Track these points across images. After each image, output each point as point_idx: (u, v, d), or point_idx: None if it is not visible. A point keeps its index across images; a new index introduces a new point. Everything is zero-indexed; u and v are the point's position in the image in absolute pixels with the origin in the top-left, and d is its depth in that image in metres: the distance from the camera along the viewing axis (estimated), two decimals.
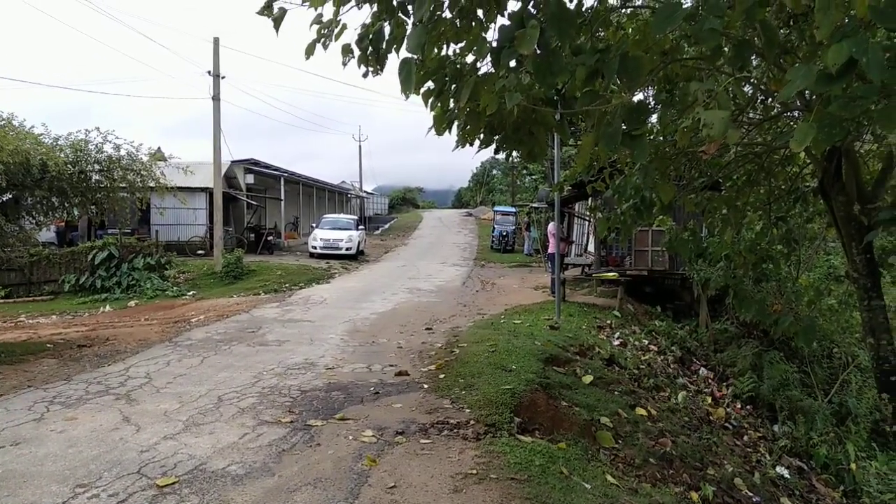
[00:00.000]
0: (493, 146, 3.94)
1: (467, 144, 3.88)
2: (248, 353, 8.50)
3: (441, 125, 3.74)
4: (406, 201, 75.03)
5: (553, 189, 8.47)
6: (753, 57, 4.12)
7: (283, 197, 28.69)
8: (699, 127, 2.89)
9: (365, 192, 65.49)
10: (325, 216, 28.62)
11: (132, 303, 15.05)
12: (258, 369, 7.53)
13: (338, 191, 43.77)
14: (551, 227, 14.64)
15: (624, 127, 3.22)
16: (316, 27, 3.66)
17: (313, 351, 8.70)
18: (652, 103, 4.42)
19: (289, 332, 10.09)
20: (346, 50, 3.73)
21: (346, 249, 24.65)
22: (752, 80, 4.62)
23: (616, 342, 10.53)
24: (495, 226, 31.67)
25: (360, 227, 27.87)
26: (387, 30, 3.64)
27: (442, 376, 7.03)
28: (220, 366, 7.74)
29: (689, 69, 4.17)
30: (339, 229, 25.69)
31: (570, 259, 17.04)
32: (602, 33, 4.42)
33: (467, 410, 5.84)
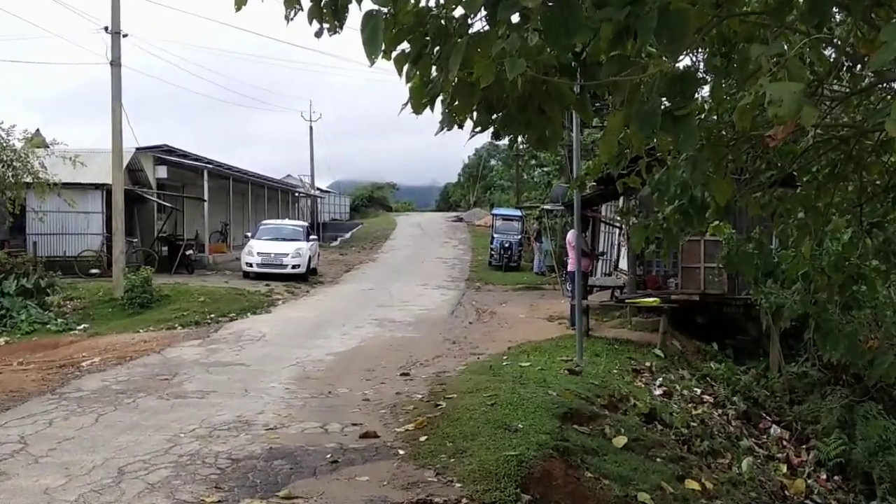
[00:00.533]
0: (491, 129, 3.97)
1: (455, 126, 3.91)
2: (159, 409, 8.46)
3: (420, 101, 3.75)
4: (374, 202, 75.13)
5: (571, 186, 8.53)
6: (835, 10, 4.18)
7: (206, 197, 28.66)
8: (764, 104, 2.93)
9: (319, 189, 65.35)
10: (264, 222, 28.65)
11: (0, 341, 14.90)
12: (174, 430, 7.49)
13: (281, 188, 43.89)
14: (570, 236, 14.72)
15: (665, 103, 3.26)
16: None
17: (248, 405, 8.68)
18: (702, 72, 4.48)
19: (215, 380, 10.08)
20: None
21: (293, 267, 24.80)
22: (834, 42, 4.69)
23: (658, 391, 10.57)
24: (494, 235, 32.01)
25: (312, 236, 28.01)
26: None
27: (423, 438, 7.04)
28: (121, 426, 7.69)
29: (750, 26, 4.22)
30: (284, 240, 25.85)
31: (596, 279, 17.15)
32: None
33: (458, 485, 5.79)
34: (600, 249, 21.37)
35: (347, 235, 49.55)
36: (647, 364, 11.92)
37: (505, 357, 11.77)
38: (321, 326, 15.45)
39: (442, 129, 3.97)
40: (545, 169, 37.87)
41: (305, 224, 29.58)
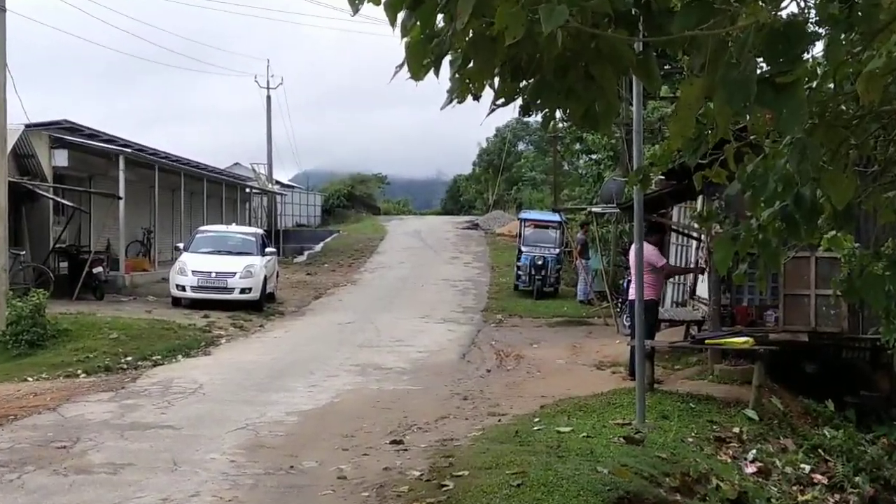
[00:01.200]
0: (519, 102, 3.97)
1: (469, 97, 3.91)
2: (54, 489, 8.46)
3: (420, 62, 3.76)
4: (356, 201, 75.45)
5: (631, 180, 8.50)
6: None
7: (122, 193, 28.78)
8: None
9: (279, 184, 65.55)
10: (202, 230, 28.77)
11: None
12: None
13: (227, 181, 44.12)
14: (632, 251, 14.71)
15: (762, 67, 3.26)
16: None
17: (178, 484, 8.69)
18: (813, 23, 4.47)
19: (133, 449, 10.10)
20: None
21: (242, 292, 25.03)
22: None
23: (750, 468, 10.52)
24: (523, 248, 32.29)
25: (269, 249, 28.15)
26: None
27: None
28: None
29: None
30: (230, 254, 26.15)
31: (667, 310, 17.13)
32: None
33: None
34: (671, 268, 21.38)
35: (318, 247, 49.89)
36: (736, 430, 11.87)
37: (536, 419, 11.74)
38: (281, 375, 15.46)
39: (450, 101, 3.97)
40: (594, 157, 37.84)
41: (260, 232, 29.67)
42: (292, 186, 70.99)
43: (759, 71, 3.25)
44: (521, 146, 79.89)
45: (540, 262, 30.73)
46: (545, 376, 16.04)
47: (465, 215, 76.23)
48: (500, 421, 11.88)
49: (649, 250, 14.05)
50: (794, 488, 10.49)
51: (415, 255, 44.57)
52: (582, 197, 37.28)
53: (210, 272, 24.81)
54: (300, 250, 49.27)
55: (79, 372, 15.77)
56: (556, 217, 33.36)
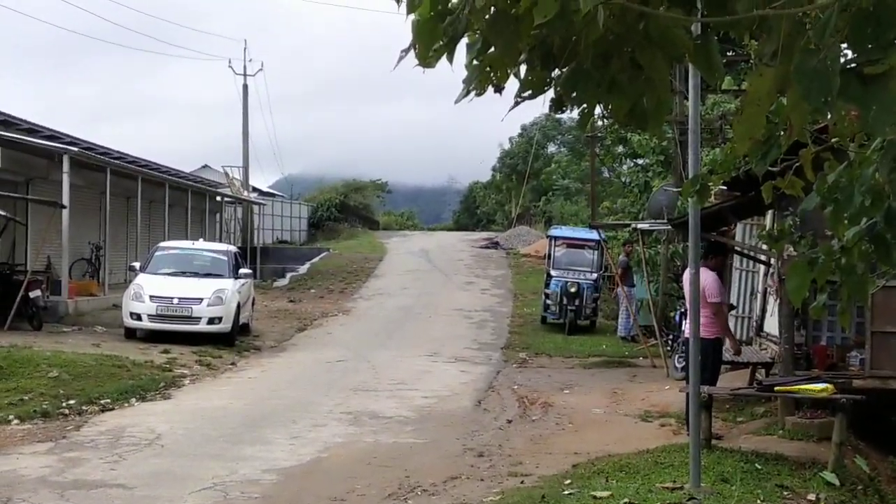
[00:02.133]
0: (550, 95, 3.98)
1: (490, 89, 3.92)
2: None
3: (430, 45, 3.77)
4: (349, 212, 75.60)
5: (685, 191, 8.49)
6: None
7: (66, 200, 28.83)
8: None
9: (257, 191, 65.83)
10: (162, 246, 28.79)
11: None
12: None
13: (194, 188, 44.18)
14: (686, 277, 14.64)
15: (846, 55, 3.26)
16: None
17: None
18: None
19: None
20: None
21: (211, 322, 25.09)
22: None
23: None
24: (553, 272, 32.41)
25: (244, 271, 28.19)
26: None
27: None
28: None
29: None
30: (195, 276, 26.32)
31: (727, 349, 17.06)
32: None
33: None
34: (731, 299, 21.31)
35: (303, 269, 50.13)
36: (812, 497, 11.81)
37: (567, 482, 11.70)
38: (256, 424, 15.46)
39: (467, 93, 3.96)
40: (640, 162, 37.82)
41: (233, 250, 29.69)
42: (273, 195, 71.17)
43: (842, 60, 3.25)
44: (551, 148, 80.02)
45: (573, 290, 30.75)
46: (578, 429, 16.00)
47: (483, 231, 76.34)
48: (522, 483, 11.85)
49: (707, 277, 13.99)
50: None
51: (421, 279, 44.72)
52: (625, 211, 37.16)
53: (172, 298, 24.83)
54: (282, 272, 49.35)
55: (10, 417, 15.72)
56: (594, 235, 33.18)
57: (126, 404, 17.25)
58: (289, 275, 48.22)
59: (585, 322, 31.05)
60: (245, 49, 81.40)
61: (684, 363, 15.08)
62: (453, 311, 34.75)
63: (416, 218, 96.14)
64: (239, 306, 25.99)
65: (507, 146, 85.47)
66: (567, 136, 77.98)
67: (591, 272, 32.20)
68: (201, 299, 24.99)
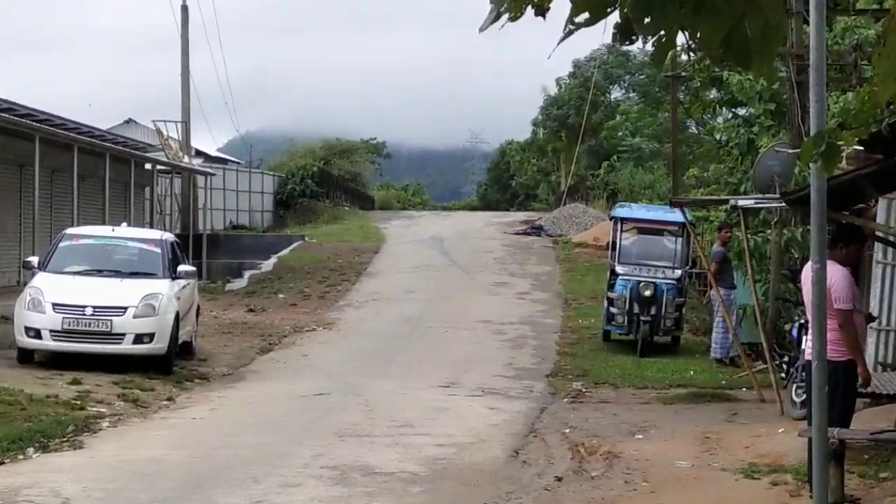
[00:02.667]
0: (615, 19, 3.99)
1: (528, 10, 3.92)
2: None
3: None
4: (332, 185, 75.09)
5: (806, 152, 8.47)
6: None
7: None
8: None
9: (202, 156, 65.92)
10: (70, 234, 28.68)
11: None
12: None
13: (113, 152, 44.00)
14: (807, 275, 14.54)
15: None
16: None
17: None
18: None
19: None
20: None
21: (139, 340, 25.04)
22: None
23: None
24: (619, 268, 32.29)
25: (184, 268, 28.02)
26: None
27: None
28: None
29: None
30: (116, 276, 26.41)
31: (875, 379, 17.00)
32: None
33: None
34: (871, 307, 21.19)
35: (268, 265, 50.31)
36: None
37: None
38: (203, 484, 15.41)
39: (496, 16, 3.96)
40: (742, 113, 37.77)
41: (169, 239, 29.60)
42: (225, 161, 71.31)
43: None
44: (615, 94, 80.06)
45: (648, 293, 30.66)
46: (656, 489, 15.93)
47: (520, 211, 76.29)
48: None
49: (836, 274, 13.79)
50: None
51: (433, 278, 45.02)
52: (721, 181, 37.14)
53: (83, 307, 24.73)
54: (238, 269, 49.47)
55: None
56: (677, 216, 32.74)
57: (20, 457, 17.09)
58: (248, 273, 48.32)
59: (665, 338, 31.17)
60: None
61: (805, 396, 15.01)
62: (478, 324, 34.88)
63: (426, 193, 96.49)
64: (178, 318, 25.86)
65: (553, 91, 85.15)
66: (638, 76, 77.79)
67: (674, 268, 32.11)
68: (125, 309, 24.89)
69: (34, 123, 35.87)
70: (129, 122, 61.07)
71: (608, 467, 17.52)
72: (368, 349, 30.62)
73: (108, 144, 44.21)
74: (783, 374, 23.09)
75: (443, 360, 28.58)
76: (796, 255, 26.96)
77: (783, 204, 23.07)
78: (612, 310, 31.69)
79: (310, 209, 70.17)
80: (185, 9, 56.82)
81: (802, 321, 17.35)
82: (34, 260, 27.16)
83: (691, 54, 35.28)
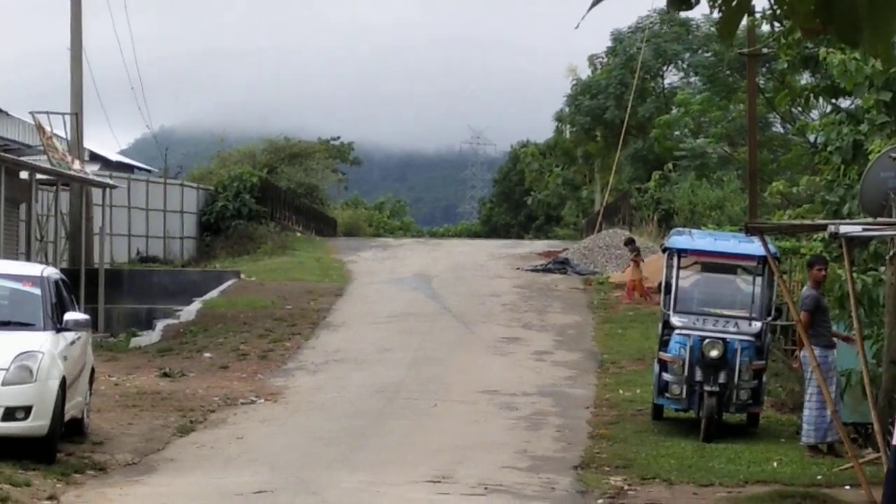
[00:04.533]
0: None
1: None
2: None
3: None
4: (278, 203, 74.78)
5: None
6: None
7: None
8: None
9: (98, 162, 65.01)
10: None
11: None
12: None
13: None
14: None
15: None
16: None
17: None
18: None
19: None
20: None
21: (9, 416, 24.74)
22: None
23: None
24: (676, 318, 31.91)
25: (73, 315, 27.95)
26: None
27: None
28: None
29: None
30: None
31: None
32: None
33: None
34: None
35: (189, 311, 50.44)
36: None
37: None
38: None
39: None
40: (846, 106, 37.81)
41: (52, 276, 29.58)
42: (130, 168, 71.24)
43: None
44: (670, 78, 79.87)
45: (716, 354, 30.44)
46: None
47: (538, 239, 76.31)
48: None
49: None
50: None
51: (417, 331, 44.98)
52: (816, 199, 37.20)
53: None
54: (147, 318, 49.40)
55: None
56: (755, 247, 32.79)
57: None
58: (161, 324, 48.19)
59: (739, 416, 31.06)
60: None
61: None
62: (480, 396, 34.77)
63: (408, 213, 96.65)
64: (64, 386, 25.74)
65: (584, 74, 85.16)
66: (702, 54, 77.65)
67: (751, 319, 31.88)
68: None
69: None
70: None
71: None
72: (327, 430, 30.28)
73: None
74: None
75: (430, 446, 28.33)
76: None
77: None
78: (666, 376, 31.26)
79: (247, 235, 70.10)
80: None
81: None
82: None
83: (775, 24, 35.28)
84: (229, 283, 55.55)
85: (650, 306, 45.87)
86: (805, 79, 38.61)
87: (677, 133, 69.16)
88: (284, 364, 40.27)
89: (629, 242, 57.62)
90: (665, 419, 31.61)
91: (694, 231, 40.24)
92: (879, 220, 25.23)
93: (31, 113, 57.03)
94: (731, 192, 59.00)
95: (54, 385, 25.30)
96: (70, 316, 27.56)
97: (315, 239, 72.32)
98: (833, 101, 37.67)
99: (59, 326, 26.72)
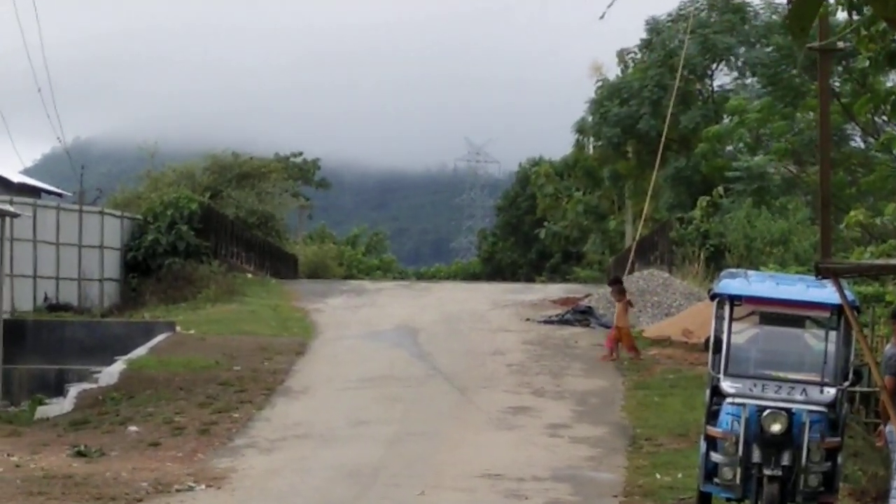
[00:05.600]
0: None
1: None
2: None
3: None
4: (224, 235, 74.72)
5: None
6: None
7: None
8: None
9: None
10: None
11: None
12: None
13: None
14: None
15: None
16: None
17: None
18: None
19: None
20: None
21: None
22: None
23: None
24: (726, 384, 31.78)
25: None
26: None
27: None
28: None
29: None
30: None
31: None
32: None
33: None
34: None
35: (111, 373, 49.73)
36: None
37: None
38: None
39: None
40: None
41: None
42: (37, 191, 71.44)
43: None
44: (721, 79, 79.93)
45: (778, 429, 30.27)
46: None
47: (553, 282, 76.44)
48: None
49: None
50: None
51: (400, 399, 44.82)
52: None
53: None
54: (57, 382, 49.32)
55: None
56: (828, 293, 32.90)
57: None
58: (74, 388, 48.04)
59: (809, 500, 30.78)
60: None
61: None
62: (480, 481, 34.46)
63: (389, 248, 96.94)
64: None
65: (613, 73, 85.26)
66: (761, 48, 77.63)
67: (823, 385, 31.50)
68: None
69: None
70: None
71: None
72: None
73: None
74: None
75: None
76: None
77: None
78: (715, 457, 30.73)
79: (185, 277, 70.09)
80: None
81: None
82: None
83: (854, 13, 35.40)
84: (162, 337, 55.39)
85: (693, 367, 45.74)
86: (892, 80, 38.69)
87: (729, 149, 69.11)
88: (231, 441, 39.90)
89: (614, 282, 57.34)
90: None
91: (751, 273, 39.55)
92: None
93: None
94: (799, 223, 58.95)
95: None
96: None
97: (270, 281, 72.34)
98: None
99: None
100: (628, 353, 53.00)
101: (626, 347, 52.96)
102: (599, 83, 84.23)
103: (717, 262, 58.11)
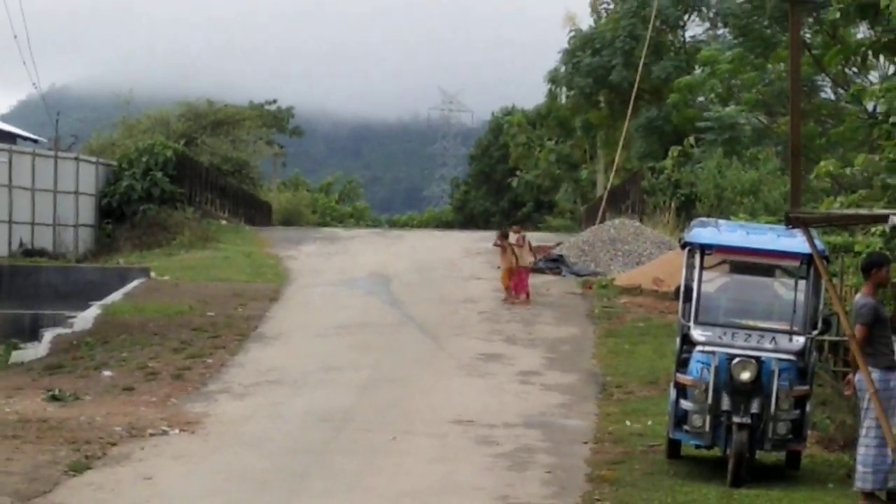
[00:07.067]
0: None
1: None
2: None
3: None
4: (198, 182, 74.50)
5: None
6: None
7: None
8: None
9: None
10: None
11: None
12: None
13: None
14: None
15: None
16: None
17: None
18: None
19: None
20: None
21: None
22: None
23: None
24: (696, 332, 31.52)
25: None
26: None
27: None
28: None
29: None
30: None
31: None
32: None
33: None
34: None
35: (85, 318, 50.29)
36: None
37: None
38: None
39: None
40: None
41: None
42: (12, 137, 71.22)
43: None
44: (693, 29, 79.82)
45: (748, 377, 30.13)
46: None
47: (525, 230, 76.37)
48: None
49: None
50: None
51: (372, 346, 45.02)
52: (875, 182, 37.23)
53: None
54: (32, 327, 49.20)
55: None
56: (797, 242, 32.77)
57: None
58: (49, 333, 47.97)
59: (776, 455, 30.80)
60: None
61: None
62: (451, 427, 34.51)
63: (362, 196, 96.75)
64: None
65: (585, 24, 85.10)
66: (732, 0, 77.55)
67: (792, 334, 31.42)
68: None
69: None
70: None
71: None
72: (258, 470, 29.83)
73: None
74: None
75: (388, 491, 27.94)
76: None
77: None
78: (685, 405, 30.70)
79: (159, 223, 69.73)
80: None
81: None
82: None
83: None
84: (136, 283, 55.23)
85: (664, 315, 45.66)
86: (862, 32, 38.48)
87: (701, 99, 68.97)
88: (205, 386, 39.99)
89: (504, 237, 56.99)
90: (683, 458, 31.09)
91: (721, 222, 39.02)
92: None
93: None
94: (769, 173, 58.78)
95: None
96: None
97: (244, 228, 72.08)
98: (895, 59, 37.65)
99: None
100: (512, 290, 52.95)
101: (509, 284, 52.95)
102: (572, 33, 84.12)
103: (687, 211, 58.03)
